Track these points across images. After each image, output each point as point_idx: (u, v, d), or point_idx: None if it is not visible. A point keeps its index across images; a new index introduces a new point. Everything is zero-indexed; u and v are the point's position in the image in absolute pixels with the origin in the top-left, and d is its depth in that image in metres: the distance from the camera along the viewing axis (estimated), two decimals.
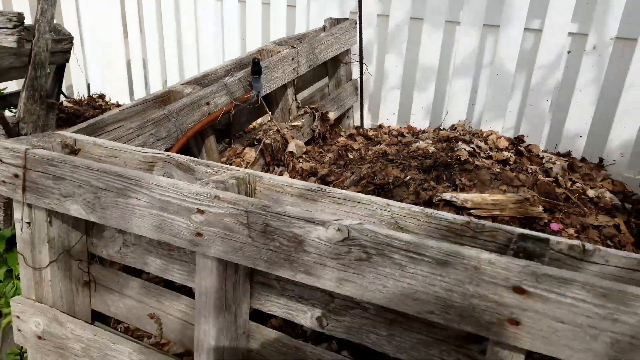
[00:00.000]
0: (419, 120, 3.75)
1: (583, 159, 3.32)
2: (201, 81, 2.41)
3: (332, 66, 3.52)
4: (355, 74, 3.68)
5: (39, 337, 1.58)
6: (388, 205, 1.20)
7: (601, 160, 3.27)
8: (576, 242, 1.02)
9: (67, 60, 3.64)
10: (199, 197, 1.17)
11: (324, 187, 1.28)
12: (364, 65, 3.62)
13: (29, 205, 1.48)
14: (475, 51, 3.41)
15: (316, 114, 3.09)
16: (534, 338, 0.91)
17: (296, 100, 3.10)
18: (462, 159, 2.26)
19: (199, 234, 1.19)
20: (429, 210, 1.16)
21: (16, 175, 1.43)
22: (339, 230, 1.03)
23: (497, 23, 3.30)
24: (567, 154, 3.34)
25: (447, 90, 3.64)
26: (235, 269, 1.29)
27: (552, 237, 1.04)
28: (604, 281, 0.85)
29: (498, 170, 2.16)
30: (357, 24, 3.44)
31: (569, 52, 3.26)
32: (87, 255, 1.64)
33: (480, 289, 0.93)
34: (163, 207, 1.22)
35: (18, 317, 1.61)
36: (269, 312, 1.40)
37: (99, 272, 1.67)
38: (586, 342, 0.87)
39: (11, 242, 1.82)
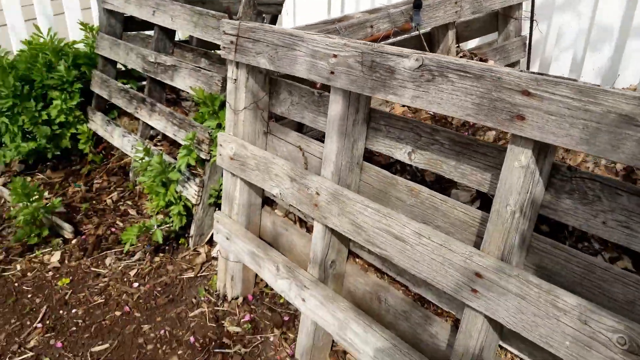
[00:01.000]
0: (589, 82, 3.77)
1: None
2: (372, 12, 2.98)
3: (502, 21, 3.78)
4: (526, 31, 3.86)
5: (231, 158, 2.35)
6: None
7: None
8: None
9: (280, 12, 4.55)
10: (334, 46, 1.74)
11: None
12: (535, 22, 3.79)
13: (236, 65, 2.23)
14: None
15: (475, 58, 3.42)
16: (533, 129, 1.27)
17: (458, 45, 3.47)
18: None
19: (332, 72, 1.76)
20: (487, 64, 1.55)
21: (232, 42, 2.18)
22: (416, 60, 1.50)
23: None
24: None
25: (622, 53, 3.60)
26: (355, 108, 1.83)
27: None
28: (581, 82, 1.18)
29: None
30: None
31: None
32: (268, 112, 2.35)
33: (501, 94, 1.32)
34: (313, 55, 1.82)
35: (221, 145, 2.40)
36: (377, 151, 1.92)
37: (273, 127, 2.38)
38: (566, 129, 1.21)
39: (222, 105, 2.64)
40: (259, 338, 2.34)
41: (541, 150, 1.35)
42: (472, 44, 4.02)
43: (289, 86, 2.20)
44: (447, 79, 1.43)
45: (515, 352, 1.54)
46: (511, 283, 1.36)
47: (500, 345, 1.59)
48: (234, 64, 2.24)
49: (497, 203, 1.42)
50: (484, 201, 2.12)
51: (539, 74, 1.32)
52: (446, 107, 1.45)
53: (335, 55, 1.74)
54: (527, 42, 3.86)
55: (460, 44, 3.55)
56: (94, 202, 3.56)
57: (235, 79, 2.28)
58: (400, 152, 1.82)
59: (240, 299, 2.54)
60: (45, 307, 2.63)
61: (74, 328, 2.49)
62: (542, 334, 1.30)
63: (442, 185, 2.31)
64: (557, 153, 2.30)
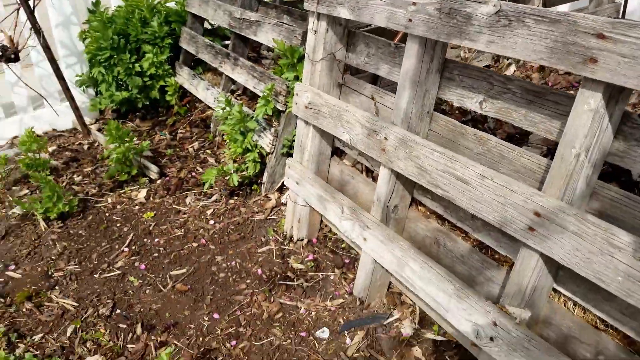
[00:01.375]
0: None
1: None
2: None
3: None
4: None
5: (306, 107, 2.48)
6: None
7: None
8: None
9: None
10: None
11: None
12: None
13: (318, 17, 2.34)
14: None
15: None
16: (605, 71, 1.30)
17: None
18: None
19: (410, 20, 1.83)
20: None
21: None
22: (494, 5, 1.54)
23: None
24: None
25: None
26: (430, 57, 1.89)
27: None
28: None
29: None
30: None
31: None
32: (344, 64, 2.46)
33: (576, 37, 1.34)
34: (392, 3, 1.89)
35: (297, 94, 2.54)
36: (448, 100, 1.97)
37: (347, 79, 2.48)
38: (639, 70, 1.23)
39: (300, 58, 2.77)
40: (320, 275, 2.50)
41: (612, 96, 1.36)
42: (560, 9, 3.89)
43: (366, 38, 2.29)
44: (524, 24, 1.47)
45: (569, 294, 1.58)
46: (569, 221, 1.40)
47: (554, 289, 1.64)
48: (315, 16, 2.36)
49: (562, 146, 1.46)
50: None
51: (614, 17, 1.33)
52: (520, 51, 1.49)
53: (414, 3, 1.81)
54: (622, 9, 3.68)
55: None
56: (177, 149, 3.84)
57: (316, 31, 2.39)
58: (472, 102, 1.87)
59: (305, 241, 2.70)
60: (131, 235, 2.92)
61: (156, 254, 2.76)
62: (595, 270, 1.34)
63: (513, 142, 2.32)
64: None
